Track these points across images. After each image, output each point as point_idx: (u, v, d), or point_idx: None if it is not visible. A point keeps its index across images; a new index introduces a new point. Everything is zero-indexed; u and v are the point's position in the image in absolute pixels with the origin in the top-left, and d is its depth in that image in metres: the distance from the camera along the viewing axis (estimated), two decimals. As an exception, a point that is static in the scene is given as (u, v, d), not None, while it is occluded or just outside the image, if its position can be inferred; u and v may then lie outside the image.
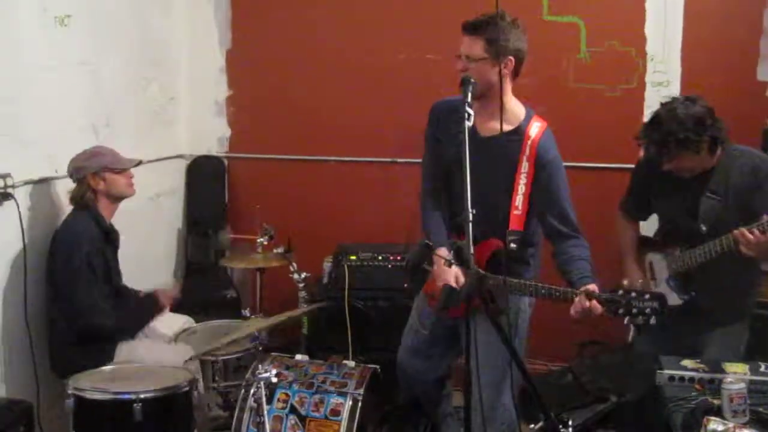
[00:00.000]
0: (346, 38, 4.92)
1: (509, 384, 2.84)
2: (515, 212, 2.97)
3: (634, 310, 2.62)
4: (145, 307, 3.69)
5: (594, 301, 2.71)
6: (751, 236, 2.83)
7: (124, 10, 4.37)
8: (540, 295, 2.93)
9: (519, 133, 3.00)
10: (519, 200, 2.97)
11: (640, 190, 3.42)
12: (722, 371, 2.76)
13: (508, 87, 3.01)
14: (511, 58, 2.93)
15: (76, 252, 3.35)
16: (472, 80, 2.79)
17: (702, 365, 2.83)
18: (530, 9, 4.52)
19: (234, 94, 5.19)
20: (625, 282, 2.69)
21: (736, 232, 2.88)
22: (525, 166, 2.97)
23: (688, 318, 3.18)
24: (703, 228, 3.06)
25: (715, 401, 2.53)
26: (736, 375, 2.68)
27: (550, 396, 4.13)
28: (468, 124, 2.59)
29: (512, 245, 2.93)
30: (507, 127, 2.97)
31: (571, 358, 4.46)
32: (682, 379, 2.76)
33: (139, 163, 3.71)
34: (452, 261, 2.72)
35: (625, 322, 2.67)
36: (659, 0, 4.42)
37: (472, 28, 2.92)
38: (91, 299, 3.37)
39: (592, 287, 2.78)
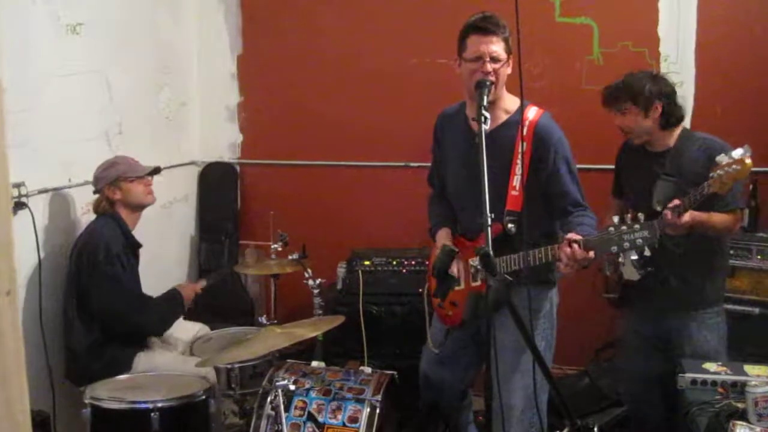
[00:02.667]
0: (357, 43, 4.91)
1: (542, 388, 2.74)
2: (513, 192, 2.93)
3: (626, 244, 2.59)
4: (172, 300, 3.68)
5: (575, 246, 2.67)
6: (669, 217, 2.89)
7: (136, 18, 4.38)
8: (533, 263, 2.85)
9: (516, 117, 2.97)
10: (516, 180, 2.93)
11: (616, 170, 3.61)
12: (745, 374, 2.73)
13: None
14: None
15: (108, 251, 3.38)
16: (488, 82, 2.78)
17: (724, 368, 2.80)
18: (543, 11, 4.52)
19: (245, 100, 5.19)
20: (615, 218, 2.65)
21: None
22: (523, 146, 2.92)
23: (653, 300, 3.32)
24: (658, 208, 3.09)
25: (739, 405, 2.50)
26: (760, 378, 2.65)
27: (567, 400, 4.11)
28: (485, 127, 2.57)
29: (510, 226, 2.90)
30: (504, 117, 3.00)
31: (587, 362, 4.43)
32: (704, 382, 2.74)
33: (158, 169, 3.71)
34: (478, 267, 2.68)
35: (620, 260, 2.67)
36: (672, 0, 4.39)
37: (494, 29, 2.87)
38: (134, 294, 3.45)
39: (572, 235, 2.73)
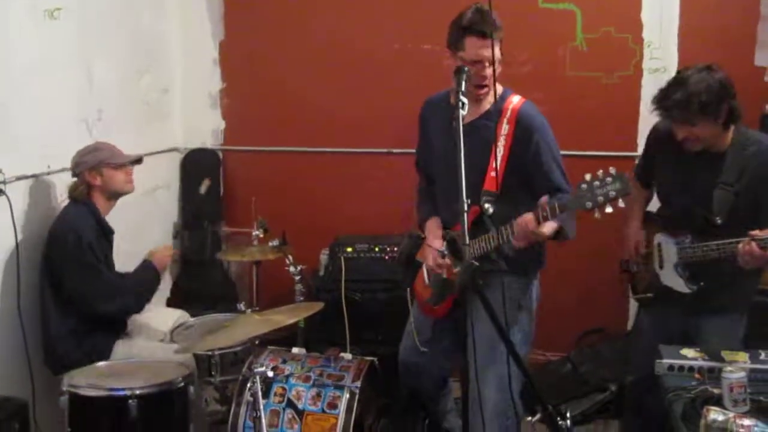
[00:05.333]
0: (341, 28, 4.89)
1: (516, 377, 2.73)
2: (491, 174, 2.93)
3: (600, 198, 2.53)
4: (147, 273, 3.64)
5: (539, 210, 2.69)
6: (757, 252, 2.75)
7: (116, 3, 4.33)
8: (507, 238, 2.86)
9: (498, 104, 3.00)
10: (497, 162, 2.93)
11: (647, 157, 3.38)
12: (722, 360, 2.73)
13: None
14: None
15: (79, 238, 3.34)
16: (466, 68, 2.77)
17: (701, 354, 2.80)
18: (526, -3, 4.50)
19: (228, 87, 5.16)
20: (587, 176, 2.57)
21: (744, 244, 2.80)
22: (505, 128, 2.95)
23: (689, 303, 3.14)
24: (718, 220, 2.96)
25: (716, 390, 2.51)
26: (736, 364, 2.65)
27: (549, 386, 4.13)
28: (462, 113, 2.55)
29: (486, 206, 2.90)
30: (486, 106, 3.04)
31: (570, 348, 4.45)
32: (681, 368, 2.74)
33: (140, 159, 3.67)
34: (445, 252, 2.68)
35: (596, 215, 2.56)
36: (655, -15, 4.39)
37: (493, 32, 2.85)
38: (106, 282, 3.40)
39: (543, 199, 2.74)
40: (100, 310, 3.39)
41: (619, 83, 4.51)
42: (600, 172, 2.55)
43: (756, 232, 2.77)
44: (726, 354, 2.78)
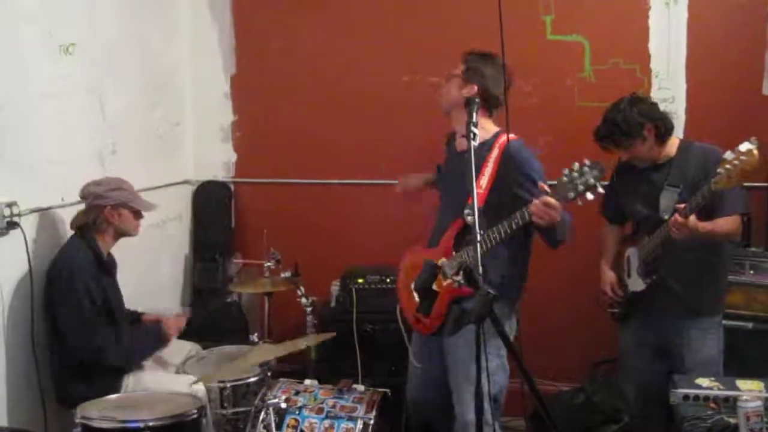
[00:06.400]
0: (350, 61, 4.93)
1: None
2: (478, 190, 3.00)
3: (581, 187, 2.71)
4: (152, 336, 3.63)
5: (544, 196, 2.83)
6: (680, 219, 3.02)
7: (129, 37, 4.39)
8: (506, 233, 2.97)
9: (490, 140, 3.20)
10: (483, 180, 3.09)
11: (609, 192, 3.47)
12: (737, 389, 2.72)
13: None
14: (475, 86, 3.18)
15: (72, 276, 3.33)
16: (477, 99, 2.85)
17: (716, 383, 2.79)
18: (534, 29, 4.55)
19: (239, 119, 5.20)
20: (565, 171, 2.78)
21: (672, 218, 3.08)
22: (495, 153, 3.15)
23: (655, 310, 3.40)
24: (665, 216, 3.21)
25: (731, 420, 2.50)
26: (752, 393, 2.64)
27: (562, 416, 4.09)
28: (474, 144, 2.64)
29: (469, 218, 2.96)
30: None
31: (581, 379, 4.41)
32: (696, 397, 2.73)
33: (155, 207, 3.71)
34: (461, 282, 2.70)
35: (579, 203, 2.76)
36: (663, 17, 4.42)
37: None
38: (93, 337, 3.33)
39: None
40: (79, 353, 3.33)
41: (628, 113, 4.52)
42: (575, 164, 2.73)
43: (680, 205, 3.05)
44: (740, 383, 2.77)
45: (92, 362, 3.34)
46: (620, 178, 3.59)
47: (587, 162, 2.71)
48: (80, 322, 3.33)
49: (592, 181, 2.69)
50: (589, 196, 2.73)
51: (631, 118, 3.31)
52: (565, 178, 2.76)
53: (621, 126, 3.33)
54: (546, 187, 2.87)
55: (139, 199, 3.60)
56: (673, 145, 3.40)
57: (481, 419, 2.24)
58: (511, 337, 3.23)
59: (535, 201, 2.85)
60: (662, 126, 3.35)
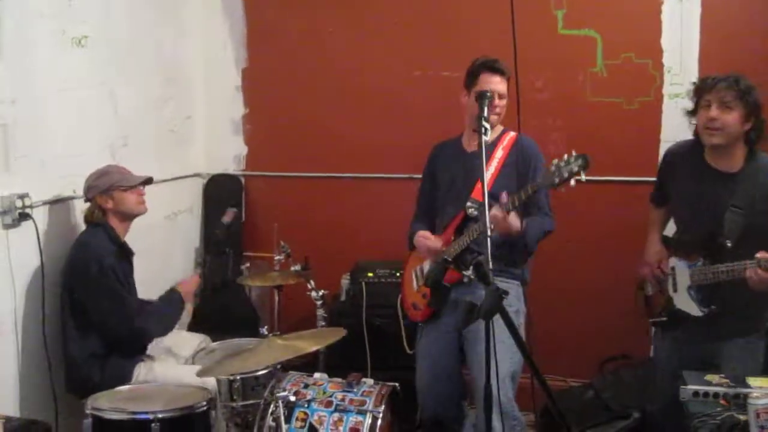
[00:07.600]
0: (361, 55, 4.93)
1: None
2: (478, 185, 3.17)
3: (566, 174, 2.76)
4: (173, 302, 3.68)
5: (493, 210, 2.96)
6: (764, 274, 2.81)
7: (141, 31, 4.41)
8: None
9: (498, 139, 3.42)
10: (487, 176, 3.04)
11: (662, 179, 3.45)
12: (747, 386, 2.71)
13: None
14: None
15: (101, 264, 3.37)
16: (489, 93, 2.88)
17: (726, 380, 2.78)
18: (546, 24, 4.53)
19: (250, 113, 5.21)
20: (554, 161, 2.82)
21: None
22: (500, 152, 3.37)
23: (705, 327, 3.15)
24: (729, 243, 3.01)
25: (741, 417, 2.49)
26: (762, 390, 2.63)
27: (571, 412, 4.09)
28: (485, 138, 2.66)
29: (470, 211, 3.29)
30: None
31: (591, 375, 4.41)
32: (706, 394, 2.71)
33: (150, 179, 3.70)
34: (471, 276, 2.72)
35: (562, 190, 2.81)
36: (675, 11, 4.39)
37: (502, 70, 3.34)
38: (129, 308, 3.43)
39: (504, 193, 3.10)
40: (124, 335, 3.41)
41: (640, 109, 4.50)
42: (564, 155, 2.79)
43: (762, 254, 2.81)
44: (751, 380, 2.75)
45: (135, 343, 3.46)
46: (674, 172, 3.33)
47: (574, 153, 2.77)
48: (119, 309, 3.40)
49: (576, 168, 2.73)
50: (572, 182, 2.77)
51: (754, 93, 3.02)
52: (552, 168, 2.82)
53: (747, 88, 3.01)
54: (504, 197, 3.04)
55: (126, 177, 3.59)
56: (743, 157, 3.09)
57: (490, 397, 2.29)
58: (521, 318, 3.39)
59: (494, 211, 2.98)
60: (761, 130, 3.06)
